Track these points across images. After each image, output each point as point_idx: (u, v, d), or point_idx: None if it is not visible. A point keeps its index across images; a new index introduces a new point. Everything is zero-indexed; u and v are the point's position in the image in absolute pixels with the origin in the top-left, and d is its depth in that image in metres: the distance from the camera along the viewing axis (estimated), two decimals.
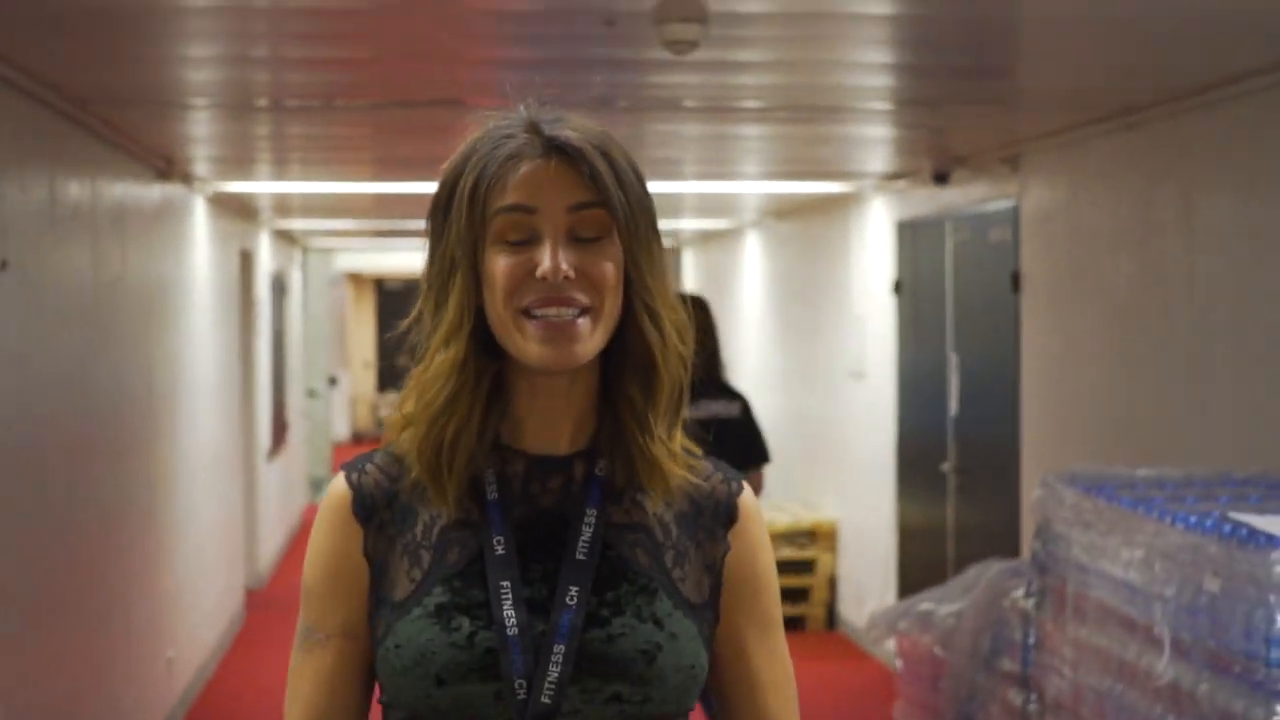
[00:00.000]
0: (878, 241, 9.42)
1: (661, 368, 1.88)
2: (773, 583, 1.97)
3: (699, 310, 6.20)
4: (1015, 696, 4.57)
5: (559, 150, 1.85)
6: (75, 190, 6.00)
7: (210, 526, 9.31)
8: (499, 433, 1.90)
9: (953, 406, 8.18)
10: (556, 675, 1.79)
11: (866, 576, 9.66)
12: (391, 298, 26.16)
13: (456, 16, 4.69)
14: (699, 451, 1.96)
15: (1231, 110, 5.50)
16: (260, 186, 10.13)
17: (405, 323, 1.92)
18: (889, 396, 9.19)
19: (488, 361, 1.86)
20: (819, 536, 10.43)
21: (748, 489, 1.97)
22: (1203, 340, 5.68)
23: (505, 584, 1.82)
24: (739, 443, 6.31)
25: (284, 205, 11.92)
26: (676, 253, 17.16)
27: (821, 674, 9.05)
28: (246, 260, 11.46)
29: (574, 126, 1.88)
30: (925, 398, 8.59)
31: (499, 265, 1.83)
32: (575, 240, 1.84)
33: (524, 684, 1.80)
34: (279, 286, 13.90)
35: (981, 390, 7.86)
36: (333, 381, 19.49)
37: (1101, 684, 3.90)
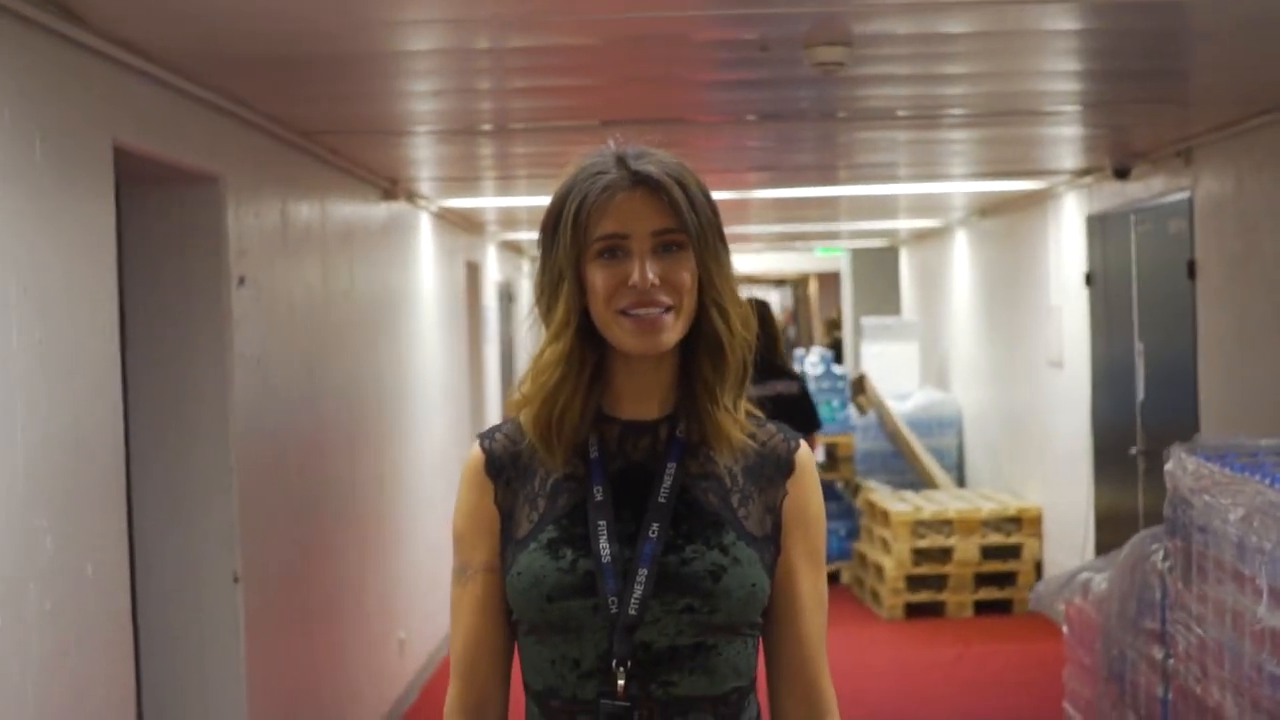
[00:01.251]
0: (1071, 235, 9.72)
1: (729, 351, 2.38)
2: (821, 524, 2.46)
3: (761, 310, 7.84)
4: (1156, 652, 4.92)
5: (644, 183, 2.36)
6: (305, 212, 6.63)
7: (441, 519, 9.92)
8: (600, 404, 2.40)
9: (1140, 392, 8.46)
10: (640, 592, 2.30)
11: (1069, 561, 9.95)
12: None
13: (681, 47, 5.16)
14: (763, 417, 2.45)
15: None
16: (485, 202, 10.71)
17: (524, 329, 2.46)
18: (1084, 384, 9.49)
19: (589, 351, 2.38)
20: (1024, 522, 10.74)
21: (804, 446, 2.47)
22: None
23: (601, 523, 2.33)
24: (798, 413, 7.70)
25: (510, 219, 12.55)
26: (893, 251, 17.50)
27: (1027, 655, 9.36)
28: (473, 271, 12.10)
29: (655, 161, 2.40)
30: (1116, 384, 8.88)
31: (599, 277, 2.34)
32: (658, 254, 2.35)
33: (615, 600, 2.30)
34: (506, 295, 14.58)
35: (1164, 375, 8.14)
36: None
37: (1219, 633, 4.26)
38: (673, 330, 2.34)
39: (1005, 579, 10.76)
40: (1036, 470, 10.88)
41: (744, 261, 22.12)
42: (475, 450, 2.46)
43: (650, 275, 2.31)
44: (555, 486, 2.39)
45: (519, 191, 10.25)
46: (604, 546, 2.32)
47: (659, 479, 2.36)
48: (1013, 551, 10.77)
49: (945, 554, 10.72)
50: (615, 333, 2.34)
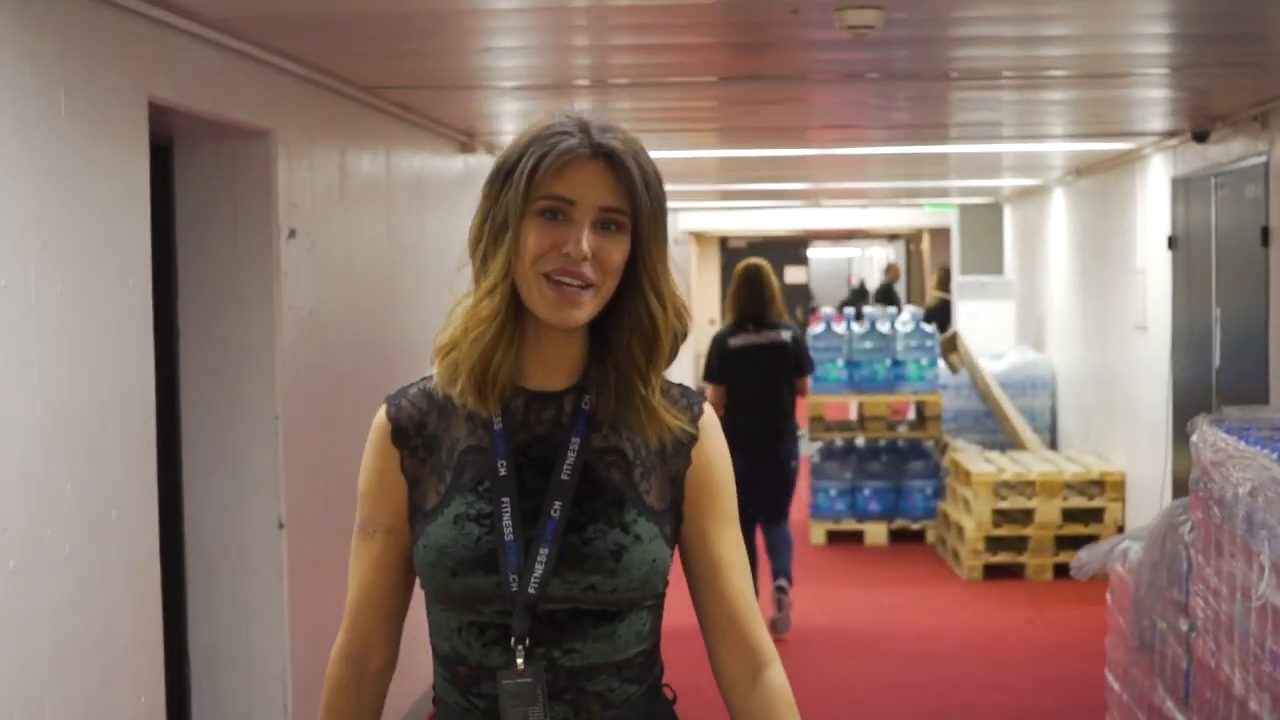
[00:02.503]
0: (1156, 198, 9.61)
1: (663, 335, 2.41)
2: (730, 485, 2.49)
3: (760, 273, 8.96)
4: (1182, 624, 4.90)
5: (605, 156, 2.37)
6: (368, 165, 6.72)
7: None
8: None
9: (1216, 358, 8.36)
10: (540, 572, 2.34)
11: None
12: (735, 256, 26.79)
13: (795, 7, 5.11)
14: (669, 383, 2.48)
15: None
16: None
17: (455, 268, 2.48)
18: (1165, 349, 9.39)
19: (520, 309, 2.40)
20: (1107, 486, 10.66)
21: (708, 410, 2.49)
22: None
23: (505, 500, 2.37)
24: (793, 357, 9.00)
25: None
26: (998, 208, 17.34)
27: (1100, 620, 9.29)
28: None
29: (619, 138, 2.40)
30: (1195, 350, 8.78)
31: (533, 234, 2.35)
32: (597, 229, 2.36)
33: (516, 578, 2.34)
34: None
35: (1238, 342, 8.04)
36: None
37: (1231, 608, 4.24)
38: (587, 308, 2.36)
39: (1086, 543, 10.65)
40: (1122, 434, 10.79)
41: (856, 216, 22.02)
42: (381, 416, 2.48)
43: (585, 248, 2.33)
44: (461, 458, 2.41)
45: None
46: (507, 524, 2.35)
47: (562, 454, 2.39)
48: (1095, 515, 10.70)
49: (1026, 516, 10.67)
50: (533, 294, 2.35)
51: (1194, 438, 4.62)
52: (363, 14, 5.02)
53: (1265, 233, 7.46)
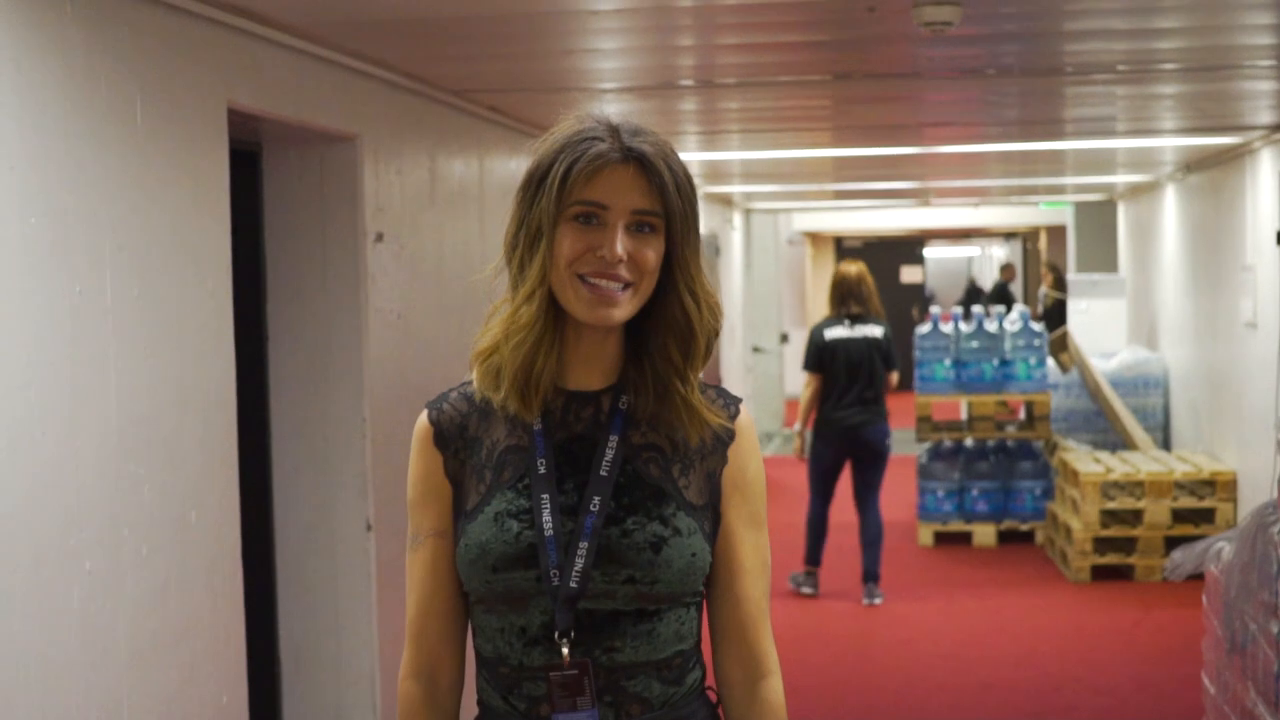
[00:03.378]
0: (1266, 192, 9.45)
1: (699, 334, 2.42)
2: (761, 486, 2.49)
3: (855, 273, 9.80)
4: (1272, 626, 4.81)
5: (635, 159, 2.38)
6: (459, 169, 6.76)
7: None
8: None
9: None
10: (580, 565, 2.35)
11: None
12: (850, 256, 26.69)
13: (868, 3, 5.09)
14: (706, 383, 2.49)
15: None
16: (688, 156, 10.67)
17: (490, 274, 2.50)
18: (1275, 347, 9.22)
19: (558, 312, 2.42)
20: (1218, 486, 10.49)
21: (744, 411, 2.49)
22: None
23: (545, 496, 2.39)
24: (879, 353, 9.70)
25: (718, 171, 12.54)
26: (1111, 205, 17.13)
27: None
28: None
29: (649, 141, 2.40)
30: None
31: (569, 238, 2.37)
32: (631, 231, 2.38)
33: (557, 572, 2.36)
34: (713, 248, 14.61)
35: None
36: (784, 338, 20.11)
37: None
38: (626, 307, 2.38)
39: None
40: (1233, 433, 10.62)
41: (969, 215, 21.84)
42: (423, 421, 2.51)
43: (620, 250, 2.35)
44: (501, 458, 2.44)
45: (729, 146, 10.21)
46: (547, 520, 2.37)
47: (601, 451, 2.41)
48: (1205, 515, 10.53)
49: (1135, 516, 10.52)
50: (570, 297, 2.37)
51: (1278, 435, 4.52)
52: (446, 17, 5.04)
53: None
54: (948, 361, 11.97)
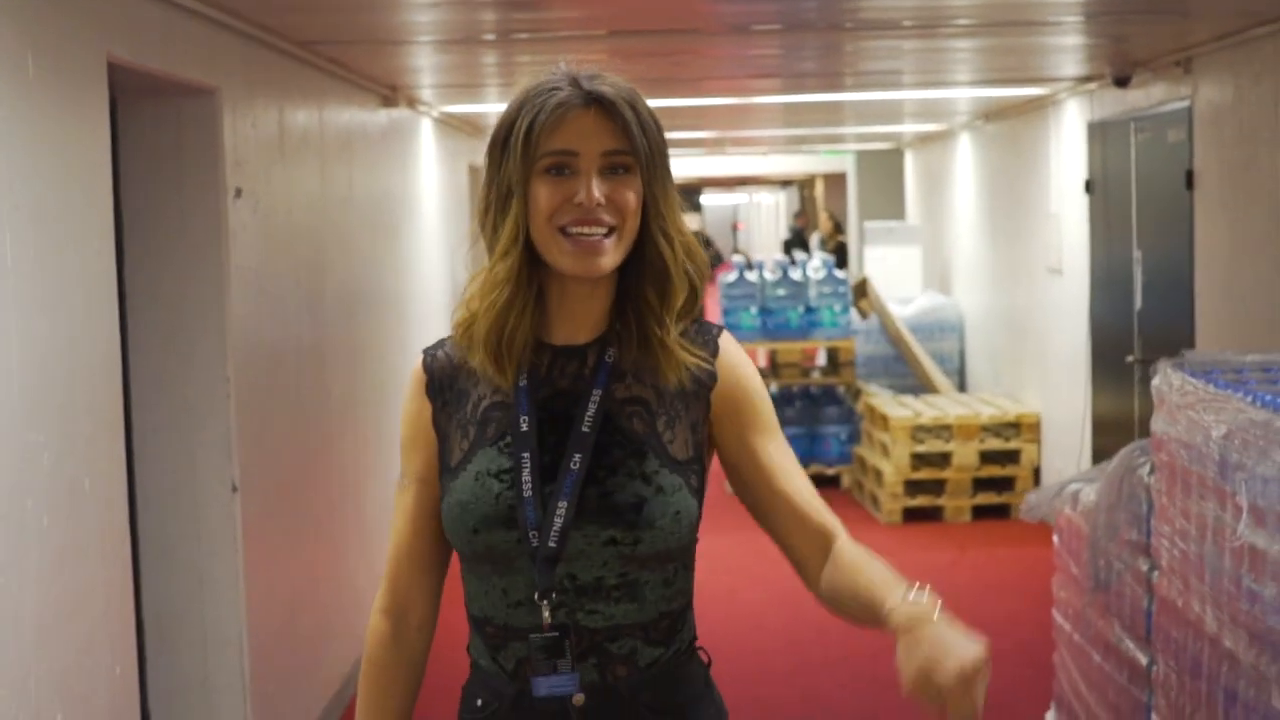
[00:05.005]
0: (1072, 142, 9.72)
1: (675, 276, 2.39)
2: (763, 393, 2.48)
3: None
4: (1141, 564, 4.98)
5: (597, 102, 2.35)
6: (303, 120, 6.64)
7: None
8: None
9: (1138, 300, 8.49)
10: (559, 525, 2.32)
11: (1066, 466, 10.02)
12: None
13: None
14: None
15: None
16: (488, 108, 10.65)
17: (469, 236, 2.47)
18: (1083, 291, 9.52)
19: (535, 270, 2.38)
20: (1023, 428, 10.80)
21: (725, 335, 2.49)
22: None
23: (525, 455, 2.35)
24: None
25: None
26: (898, 154, 17.47)
27: (1022, 560, 9.46)
28: (476, 175, 12.09)
29: (609, 83, 2.38)
30: (1114, 292, 8.91)
31: (543, 192, 2.33)
32: (605, 174, 2.34)
33: (535, 532, 2.33)
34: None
35: (1161, 284, 8.17)
36: None
37: (1200, 549, 4.32)
38: (612, 254, 2.34)
39: (1003, 484, 10.84)
40: (1035, 376, 10.94)
41: (750, 163, 22.08)
42: (417, 366, 2.49)
43: (596, 194, 2.31)
44: (484, 414, 2.40)
45: None
46: (527, 480, 2.34)
47: (583, 406, 2.37)
48: (1011, 457, 10.84)
49: (944, 459, 10.79)
50: (554, 251, 2.33)
51: (1156, 381, 4.68)
52: None
53: (1189, 176, 7.57)
54: (754, 309, 12.11)
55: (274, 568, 5.94)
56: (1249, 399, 3.98)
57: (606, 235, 2.33)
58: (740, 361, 2.47)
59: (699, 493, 2.41)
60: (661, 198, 2.38)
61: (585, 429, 2.36)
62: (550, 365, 2.41)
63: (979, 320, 12.77)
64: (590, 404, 2.38)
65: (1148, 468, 4.95)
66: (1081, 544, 5.55)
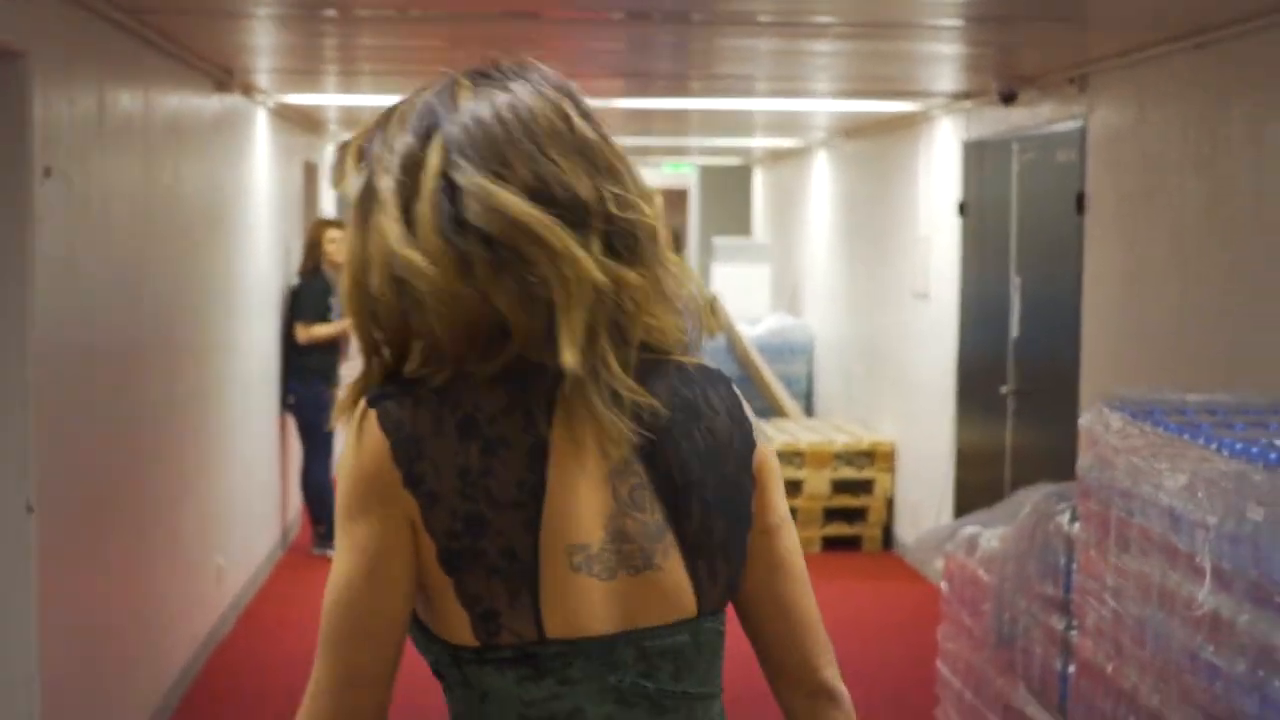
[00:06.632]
0: (944, 162, 9.29)
1: None
2: None
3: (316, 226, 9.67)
4: (1056, 622, 4.50)
5: None
6: (127, 100, 5.97)
7: (265, 435, 9.33)
8: None
9: (1014, 329, 8.07)
10: None
11: (923, 498, 9.60)
12: None
13: None
14: None
15: None
16: (326, 99, 10.08)
17: None
18: (951, 318, 9.09)
19: None
20: (877, 457, 10.36)
21: None
22: (1269, 263, 5.55)
23: None
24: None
25: (352, 118, 11.86)
26: (747, 170, 17.04)
27: (876, 593, 9.06)
28: (310, 173, 11.44)
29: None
30: (987, 320, 8.48)
31: None
32: None
33: None
34: (345, 200, 13.90)
35: (1043, 313, 7.75)
36: None
37: (1142, 611, 3.83)
38: None
39: (855, 514, 10.40)
40: (892, 403, 10.50)
41: None
42: None
43: None
44: None
45: (363, 89, 9.60)
46: None
47: None
48: (864, 486, 10.40)
49: (794, 487, 10.30)
50: None
51: (1085, 420, 4.20)
52: None
53: (1080, 199, 7.15)
54: None
55: (75, 594, 5.27)
56: (1212, 446, 3.50)
57: None
58: None
59: None
60: None
61: None
62: None
63: (831, 343, 12.32)
64: None
65: (1067, 515, 4.47)
66: (980, 594, 5.06)
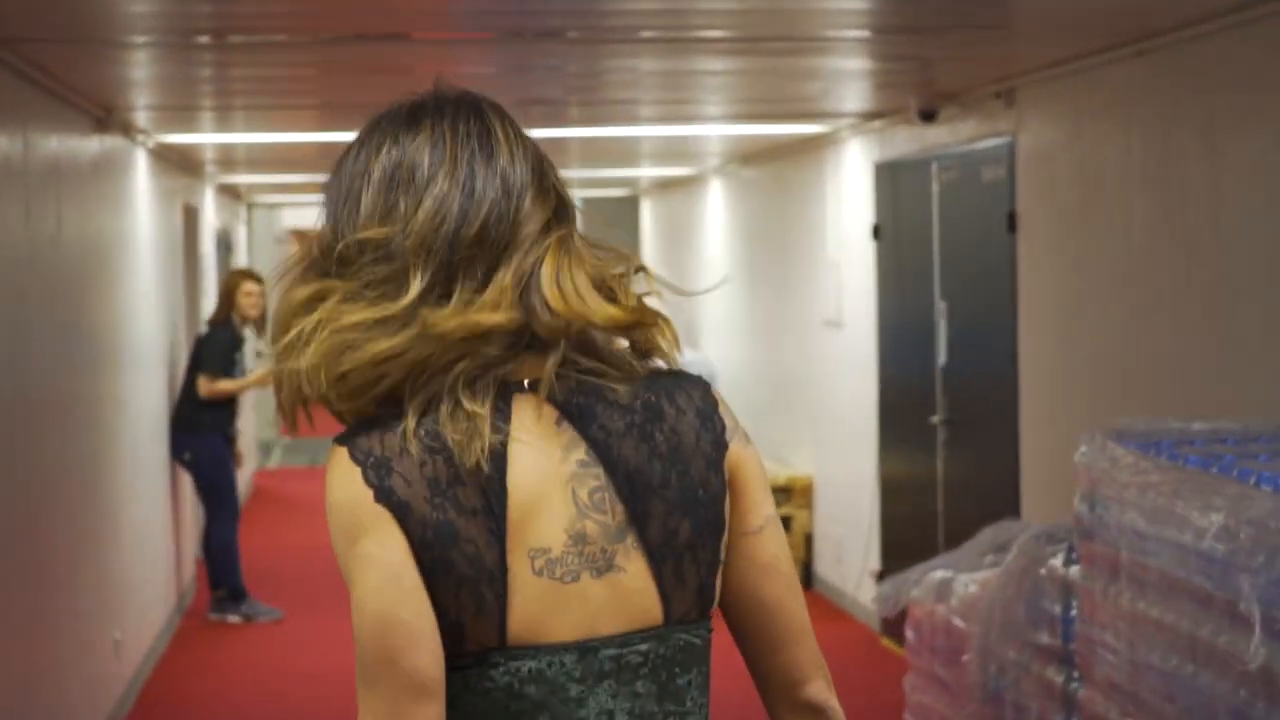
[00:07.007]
0: (854, 185, 9.00)
1: None
2: None
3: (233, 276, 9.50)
4: (1054, 673, 4.18)
5: None
6: (4, 142, 5.53)
7: (157, 495, 8.85)
8: None
9: (941, 356, 7.78)
10: None
11: (846, 534, 9.28)
12: None
13: None
14: None
15: (1262, 32, 5.09)
16: (203, 138, 9.68)
17: None
18: (869, 346, 8.80)
19: None
20: (793, 493, 10.04)
21: None
22: (1227, 282, 5.30)
23: None
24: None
25: (228, 158, 11.44)
26: (633, 202, 16.72)
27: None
28: (190, 216, 10.98)
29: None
30: (910, 347, 8.19)
31: None
32: None
33: None
34: (224, 243, 13.45)
35: (974, 338, 7.47)
36: None
37: (1167, 663, 3.51)
38: None
39: None
40: (808, 436, 10.18)
41: None
42: None
43: None
44: None
45: (237, 126, 9.17)
46: None
47: None
48: (781, 523, 10.06)
49: None
50: None
51: (1081, 454, 3.89)
52: None
53: (1012, 218, 6.87)
54: None
55: None
56: (1250, 481, 3.19)
57: None
58: None
59: None
60: None
61: None
62: None
63: (735, 377, 11.99)
64: None
65: (1061, 557, 4.15)
66: (957, 643, 4.73)
